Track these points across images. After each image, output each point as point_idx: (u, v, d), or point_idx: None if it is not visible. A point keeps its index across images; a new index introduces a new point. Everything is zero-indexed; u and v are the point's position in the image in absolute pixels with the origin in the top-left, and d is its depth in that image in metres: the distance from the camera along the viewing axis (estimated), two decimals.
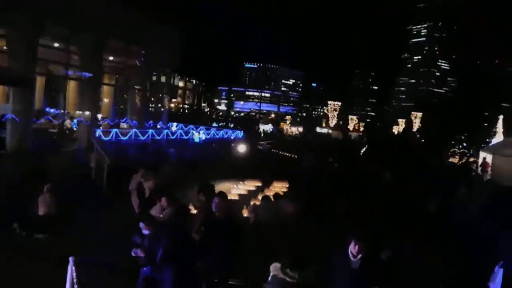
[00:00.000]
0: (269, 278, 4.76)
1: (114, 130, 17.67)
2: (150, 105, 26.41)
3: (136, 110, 23.73)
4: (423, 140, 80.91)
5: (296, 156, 30.97)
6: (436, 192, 15.38)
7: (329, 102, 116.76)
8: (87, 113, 19.20)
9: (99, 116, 26.80)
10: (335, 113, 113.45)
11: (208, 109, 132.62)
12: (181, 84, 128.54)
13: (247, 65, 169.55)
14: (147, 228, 5.82)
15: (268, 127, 79.36)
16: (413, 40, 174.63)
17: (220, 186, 17.58)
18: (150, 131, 19.37)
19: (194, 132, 23.70)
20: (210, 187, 8.14)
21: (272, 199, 11.63)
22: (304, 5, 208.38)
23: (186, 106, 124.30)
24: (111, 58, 23.15)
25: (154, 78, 28.66)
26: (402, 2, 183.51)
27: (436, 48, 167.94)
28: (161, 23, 22.76)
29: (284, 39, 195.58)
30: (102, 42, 19.97)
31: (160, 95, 28.40)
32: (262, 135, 59.50)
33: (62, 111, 22.67)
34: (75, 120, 21.48)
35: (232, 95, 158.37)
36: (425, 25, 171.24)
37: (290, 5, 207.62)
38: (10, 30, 16.84)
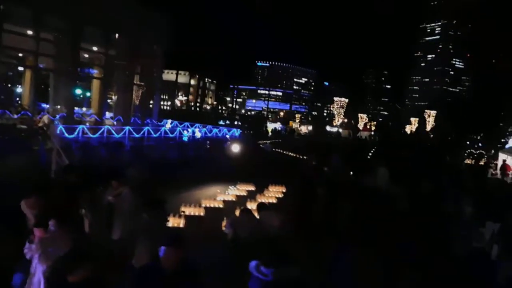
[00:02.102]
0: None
1: (81, 126, 15.62)
2: (138, 101, 24.43)
3: (122, 105, 21.82)
4: (437, 140, 78.16)
5: (300, 157, 28.83)
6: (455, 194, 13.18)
7: (335, 99, 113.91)
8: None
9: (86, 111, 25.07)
10: (342, 111, 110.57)
11: (220, 107, 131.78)
12: (192, 82, 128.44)
13: (259, 63, 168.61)
14: None
15: (277, 126, 77.15)
16: (427, 38, 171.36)
17: (205, 191, 15.72)
18: (127, 127, 17.32)
19: (183, 130, 21.67)
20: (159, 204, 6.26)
21: (256, 210, 9.42)
22: (318, 3, 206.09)
23: (198, 104, 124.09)
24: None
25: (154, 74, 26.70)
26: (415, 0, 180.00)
27: (450, 47, 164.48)
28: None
29: (297, 37, 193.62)
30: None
31: (155, 91, 26.41)
32: (269, 134, 57.34)
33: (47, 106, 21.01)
34: (57, 116, 19.71)
35: (244, 94, 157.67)
36: (439, 23, 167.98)
37: (304, 3, 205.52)
38: None
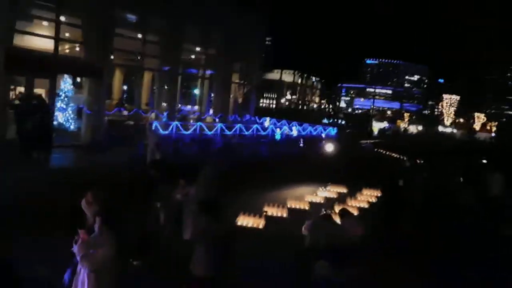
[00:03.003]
0: None
1: (175, 123, 16.30)
2: (237, 99, 24.93)
3: (221, 102, 22.43)
4: None
5: (404, 158, 27.08)
6: None
7: (445, 96, 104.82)
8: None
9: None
10: (452, 109, 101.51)
11: (326, 106, 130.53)
12: (299, 81, 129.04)
13: (368, 61, 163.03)
14: None
15: (383, 125, 73.86)
16: None
17: (293, 191, 15.38)
18: (219, 125, 17.66)
19: (280, 128, 21.52)
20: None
21: (337, 216, 8.87)
22: None
23: (304, 103, 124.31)
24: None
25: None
26: None
27: None
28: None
29: (408, 31, 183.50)
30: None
31: (253, 89, 26.75)
32: (374, 133, 55.09)
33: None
34: (164, 113, 20.91)
35: (352, 92, 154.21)
36: None
37: None
38: (84, 19, 16.39)
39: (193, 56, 24.07)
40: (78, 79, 19.67)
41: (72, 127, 17.37)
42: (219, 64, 22.59)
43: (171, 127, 15.85)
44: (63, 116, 17.18)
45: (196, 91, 29.02)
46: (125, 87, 26.22)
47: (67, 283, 4.58)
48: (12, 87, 17.20)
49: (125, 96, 26.22)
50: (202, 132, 17.00)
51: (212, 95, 23.69)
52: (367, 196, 15.67)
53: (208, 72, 23.97)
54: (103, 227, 4.43)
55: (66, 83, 17.19)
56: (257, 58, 25.14)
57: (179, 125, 16.27)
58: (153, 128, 14.69)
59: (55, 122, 16.62)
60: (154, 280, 7.04)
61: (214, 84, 23.35)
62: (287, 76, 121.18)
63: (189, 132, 16.40)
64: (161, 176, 7.73)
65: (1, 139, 13.69)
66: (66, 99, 17.15)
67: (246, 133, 19.14)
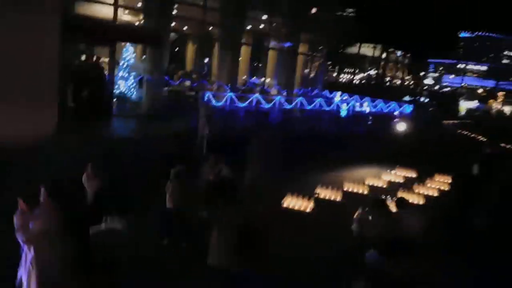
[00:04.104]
0: None
1: (229, 94, 15.47)
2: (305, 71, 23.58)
3: (286, 74, 21.35)
4: None
5: (486, 142, 24.34)
6: None
7: None
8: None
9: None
10: None
11: (411, 82, 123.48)
12: (383, 55, 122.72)
13: (462, 34, 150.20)
14: None
15: (473, 104, 67.90)
16: None
17: (354, 173, 14.04)
18: (278, 97, 16.52)
19: (348, 103, 19.94)
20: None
21: (394, 207, 7.64)
22: None
23: (386, 78, 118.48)
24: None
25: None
26: None
27: None
28: None
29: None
30: None
31: (325, 62, 25.23)
32: (460, 113, 50.81)
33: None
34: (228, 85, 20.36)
35: (441, 68, 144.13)
36: None
37: None
38: None
39: (261, 25, 23.05)
40: (140, 48, 19.58)
41: (133, 96, 17.34)
42: (286, 33, 21.44)
43: (225, 98, 15.12)
44: (125, 85, 17.17)
45: (262, 63, 28.11)
46: (193, 58, 25.81)
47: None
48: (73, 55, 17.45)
49: (193, 67, 25.85)
50: (259, 105, 16.10)
51: (278, 67, 22.60)
52: (439, 183, 13.96)
53: (275, 43, 22.89)
54: (46, 199, 3.91)
55: (127, 52, 17.09)
56: (330, 29, 23.53)
57: (233, 96, 15.47)
58: (206, 99, 14.04)
59: (117, 91, 16.68)
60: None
61: (280, 55, 22.24)
62: (369, 50, 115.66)
63: (244, 104, 15.57)
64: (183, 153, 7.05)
65: (62, 108, 13.83)
66: (127, 68, 17.08)
67: (308, 107, 17.89)
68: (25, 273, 4.08)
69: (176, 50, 31.46)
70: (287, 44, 21.77)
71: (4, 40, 10.11)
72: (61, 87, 12.80)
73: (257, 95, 16.42)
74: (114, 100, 15.74)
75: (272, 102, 16.43)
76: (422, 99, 58.47)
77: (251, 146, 8.48)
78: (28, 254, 3.94)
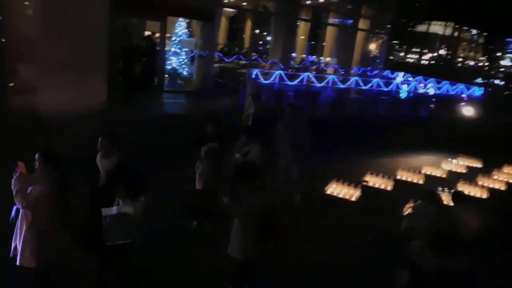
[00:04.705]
0: None
1: (278, 72, 14.73)
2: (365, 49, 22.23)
3: (344, 52, 20.30)
4: None
5: None
6: None
7: None
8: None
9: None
10: None
11: (487, 63, 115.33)
12: (455, 34, 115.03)
13: None
14: None
15: None
16: None
17: (409, 160, 12.98)
18: (331, 77, 15.53)
19: (409, 84, 18.51)
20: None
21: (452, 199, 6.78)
22: None
23: (458, 59, 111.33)
24: None
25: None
26: None
27: None
28: None
29: None
30: None
31: (384, 38, 23.63)
32: None
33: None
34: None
35: None
36: None
37: None
38: None
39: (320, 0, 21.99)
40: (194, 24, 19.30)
41: (185, 72, 17.18)
42: (344, 10, 20.28)
43: (274, 76, 14.47)
44: (177, 61, 17.02)
45: (321, 40, 27.00)
46: (250, 35, 25.25)
47: (12, 219, 4.24)
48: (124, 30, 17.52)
49: (250, 44, 25.33)
50: (310, 84, 15.29)
51: (337, 44, 21.49)
52: (507, 176, 12.61)
53: (333, 19, 21.76)
54: (43, 165, 4.06)
55: (180, 27, 16.85)
56: (392, 4, 22.00)
57: (283, 74, 14.77)
58: (253, 76, 13.48)
59: (169, 67, 16.59)
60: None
61: (338, 32, 21.11)
62: (440, 28, 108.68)
63: (294, 82, 14.83)
64: (215, 133, 6.60)
65: (113, 82, 13.89)
66: (179, 43, 16.87)
67: (364, 87, 16.77)
68: (20, 241, 4.02)
69: (234, 27, 31.10)
70: (347, 21, 20.63)
71: (56, 15, 10.16)
72: (112, 61, 12.86)
73: (308, 73, 15.59)
74: (165, 75, 15.69)
75: (325, 81, 15.56)
76: (496, 81, 54.27)
77: (293, 128, 7.87)
78: (24, 221, 4.04)
